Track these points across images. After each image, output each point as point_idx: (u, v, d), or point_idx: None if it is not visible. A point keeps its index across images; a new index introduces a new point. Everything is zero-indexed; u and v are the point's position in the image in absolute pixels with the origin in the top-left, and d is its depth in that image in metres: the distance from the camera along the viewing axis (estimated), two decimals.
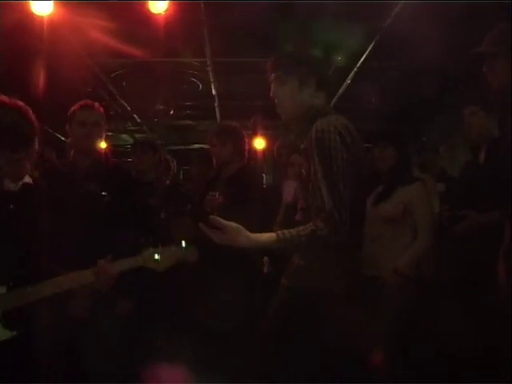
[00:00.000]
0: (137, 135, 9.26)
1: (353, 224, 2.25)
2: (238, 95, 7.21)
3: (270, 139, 7.66)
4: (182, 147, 9.38)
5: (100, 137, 3.23)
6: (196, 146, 8.84)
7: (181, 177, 8.32)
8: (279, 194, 4.64)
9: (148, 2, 4.21)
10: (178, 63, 6.00)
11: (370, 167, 3.75)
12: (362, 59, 5.61)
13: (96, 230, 2.87)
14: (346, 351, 2.36)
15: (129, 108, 7.58)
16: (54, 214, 2.45)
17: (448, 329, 3.44)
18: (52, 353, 2.65)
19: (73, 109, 3.21)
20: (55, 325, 2.73)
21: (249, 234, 2.25)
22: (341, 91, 6.77)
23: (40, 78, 4.86)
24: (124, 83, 6.56)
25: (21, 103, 2.25)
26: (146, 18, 4.34)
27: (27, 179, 2.40)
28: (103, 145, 3.41)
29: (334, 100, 7.00)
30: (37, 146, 2.29)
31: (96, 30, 4.56)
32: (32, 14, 4.09)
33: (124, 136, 9.52)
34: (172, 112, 7.97)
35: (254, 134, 7.92)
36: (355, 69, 5.94)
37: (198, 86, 6.82)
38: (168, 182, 5.10)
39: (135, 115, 8.05)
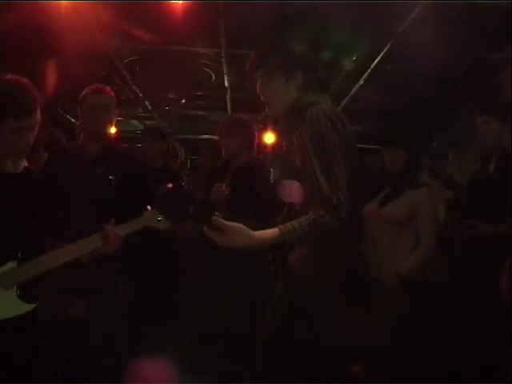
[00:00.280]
0: (147, 122, 9.25)
1: (351, 211, 2.23)
2: (250, 88, 7.18)
3: (280, 134, 7.64)
4: (192, 137, 9.36)
5: (110, 121, 3.22)
6: (205, 136, 8.84)
7: (188, 166, 8.32)
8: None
9: None
10: (193, 52, 5.97)
11: (378, 168, 3.75)
12: (376, 61, 5.59)
13: (102, 214, 2.87)
14: (345, 347, 2.36)
15: (140, 94, 7.56)
16: (59, 198, 2.47)
17: (448, 330, 3.45)
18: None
19: (84, 92, 3.20)
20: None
21: (251, 232, 2.21)
22: (353, 92, 6.74)
23: (54, 61, 4.86)
24: (137, 69, 6.55)
25: (21, 79, 2.32)
26: (163, 5, 4.34)
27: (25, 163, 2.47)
28: (113, 129, 3.40)
29: (346, 100, 6.99)
30: (39, 119, 2.34)
31: (112, 14, 4.55)
32: None
33: (134, 122, 9.51)
34: (183, 101, 7.96)
35: (265, 128, 7.92)
36: (368, 70, 5.92)
37: (211, 76, 6.80)
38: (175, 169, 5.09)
39: (146, 102, 8.04)
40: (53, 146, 3.62)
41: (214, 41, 5.40)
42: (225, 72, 6.34)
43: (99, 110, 3.13)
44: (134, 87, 7.17)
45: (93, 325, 2.97)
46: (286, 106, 2.49)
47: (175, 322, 3.85)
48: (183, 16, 4.45)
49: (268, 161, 7.48)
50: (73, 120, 6.49)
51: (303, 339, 2.38)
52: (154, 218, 2.49)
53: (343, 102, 7.06)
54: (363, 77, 6.18)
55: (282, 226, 2.22)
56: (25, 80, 2.32)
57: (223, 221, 2.17)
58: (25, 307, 2.27)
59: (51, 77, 4.66)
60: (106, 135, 3.23)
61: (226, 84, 6.85)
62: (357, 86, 6.53)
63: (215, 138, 4.70)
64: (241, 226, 2.20)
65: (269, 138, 7.96)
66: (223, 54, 5.75)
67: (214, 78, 6.84)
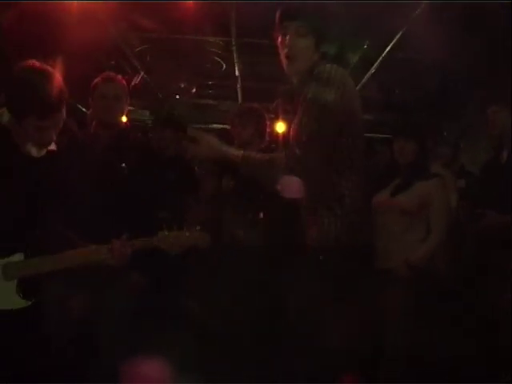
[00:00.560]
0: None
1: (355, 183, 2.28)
2: (261, 77, 7.16)
3: (292, 123, 7.61)
4: (202, 126, 9.35)
5: (121, 110, 3.24)
6: (216, 125, 8.82)
7: None
8: None
9: None
10: (203, 41, 5.96)
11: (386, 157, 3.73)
12: (387, 50, 5.55)
13: (114, 202, 2.89)
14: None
15: (151, 84, 7.56)
16: (74, 184, 2.46)
17: (449, 328, 3.45)
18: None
19: (95, 81, 3.21)
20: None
21: (218, 144, 2.31)
22: (364, 80, 6.71)
23: (64, 51, 4.87)
24: (148, 58, 6.55)
25: (47, 67, 2.23)
26: None
27: (53, 146, 2.40)
28: (124, 118, 3.41)
29: (358, 88, 6.95)
30: (64, 115, 2.28)
31: (122, 4, 4.55)
32: None
33: (144, 112, 9.51)
34: (194, 90, 7.95)
35: (276, 117, 7.89)
36: (379, 59, 5.88)
37: (222, 65, 6.78)
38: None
39: (157, 91, 8.04)
40: (65, 135, 3.64)
41: (224, 30, 5.39)
42: (235, 61, 6.33)
43: (110, 99, 3.14)
44: (145, 76, 7.17)
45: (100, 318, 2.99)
46: (308, 67, 2.41)
47: (181, 321, 3.86)
48: (193, 5, 4.45)
49: (280, 150, 7.46)
50: (84, 109, 6.49)
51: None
52: (166, 240, 2.41)
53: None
54: (374, 65, 6.15)
55: (246, 152, 2.33)
56: (50, 69, 2.22)
57: (200, 131, 2.30)
58: (20, 302, 2.24)
59: (62, 67, 4.67)
60: (118, 124, 3.24)
61: (237, 73, 6.83)
62: (368, 74, 6.49)
63: (226, 127, 4.68)
64: (212, 137, 2.31)
65: (280, 127, 7.92)
66: (233, 43, 5.74)
67: (224, 67, 6.82)
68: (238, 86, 7.46)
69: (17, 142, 2.27)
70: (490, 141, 4.00)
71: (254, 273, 3.56)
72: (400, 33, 5.03)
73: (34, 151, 2.31)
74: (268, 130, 4.08)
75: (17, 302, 2.24)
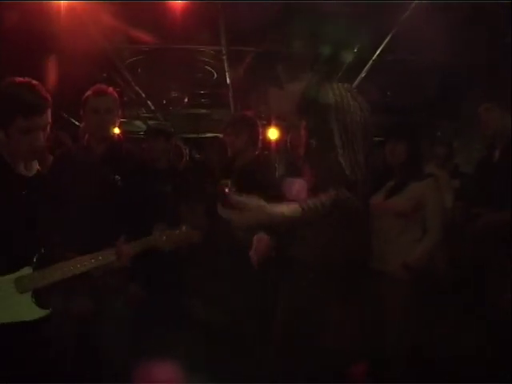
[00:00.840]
0: (150, 122, 9.25)
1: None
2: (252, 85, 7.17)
3: (284, 130, 7.63)
4: (196, 135, 9.37)
5: (113, 123, 3.22)
6: (209, 134, 8.84)
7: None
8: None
9: None
10: (194, 51, 5.98)
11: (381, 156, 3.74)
12: (378, 52, 5.57)
13: (108, 214, 2.89)
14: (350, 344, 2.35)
15: (143, 95, 7.57)
16: (67, 199, 2.48)
17: (449, 328, 3.44)
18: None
19: (86, 94, 3.19)
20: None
21: (270, 207, 2.09)
22: (356, 83, 6.72)
23: (55, 63, 4.87)
24: (139, 70, 6.56)
25: (31, 80, 2.30)
26: (163, 4, 4.34)
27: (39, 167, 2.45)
28: (117, 130, 3.41)
29: None
30: (49, 120, 2.31)
31: (112, 15, 4.56)
32: None
33: (137, 123, 9.52)
34: (186, 100, 7.96)
35: (268, 123, 7.90)
36: (370, 61, 5.90)
37: (213, 74, 6.80)
38: (180, 168, 5.10)
39: (149, 102, 8.05)
40: (58, 149, 3.63)
41: (214, 39, 5.40)
42: (226, 69, 6.34)
43: (102, 113, 3.12)
44: (137, 88, 7.18)
45: (101, 323, 2.99)
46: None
47: (184, 321, 3.85)
48: (183, 15, 4.46)
49: (273, 157, 7.47)
50: (76, 123, 6.49)
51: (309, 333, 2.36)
52: (161, 238, 2.58)
53: None
54: (365, 68, 6.16)
55: (303, 205, 2.09)
56: (34, 81, 2.30)
57: (239, 197, 2.10)
58: (39, 312, 2.28)
59: (53, 79, 4.66)
60: (111, 136, 3.23)
61: (228, 81, 6.85)
62: (359, 78, 6.51)
63: (219, 135, 4.69)
64: (259, 200, 2.09)
65: (273, 133, 7.94)
66: (224, 52, 5.75)
67: (215, 75, 6.83)
68: (230, 94, 7.48)
69: (8, 161, 2.31)
70: (483, 140, 4.01)
71: (254, 273, 3.57)
72: (390, 35, 5.05)
73: (27, 167, 2.36)
74: (261, 137, 4.09)
75: (36, 312, 2.28)
